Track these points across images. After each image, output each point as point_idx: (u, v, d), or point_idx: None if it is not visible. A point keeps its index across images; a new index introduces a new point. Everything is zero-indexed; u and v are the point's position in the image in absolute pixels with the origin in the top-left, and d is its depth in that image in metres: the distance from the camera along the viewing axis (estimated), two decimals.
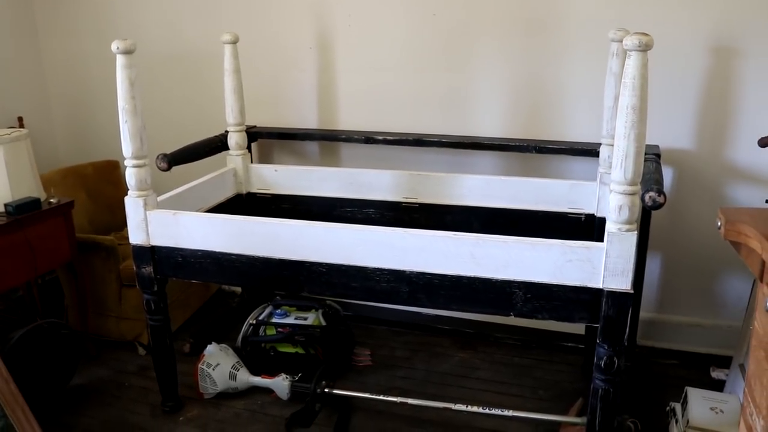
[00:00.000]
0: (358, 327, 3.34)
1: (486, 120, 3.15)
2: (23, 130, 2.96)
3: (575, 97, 3.01)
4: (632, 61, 1.83)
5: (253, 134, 3.31)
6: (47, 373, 2.80)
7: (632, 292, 2.04)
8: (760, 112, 2.80)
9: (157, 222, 2.50)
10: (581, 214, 2.81)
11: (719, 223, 1.45)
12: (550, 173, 3.10)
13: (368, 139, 3.17)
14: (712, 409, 2.48)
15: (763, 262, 1.35)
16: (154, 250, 2.54)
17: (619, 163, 1.93)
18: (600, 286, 2.05)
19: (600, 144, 2.72)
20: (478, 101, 3.15)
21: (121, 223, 3.55)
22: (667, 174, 2.92)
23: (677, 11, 2.79)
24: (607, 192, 2.56)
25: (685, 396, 2.59)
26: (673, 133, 2.92)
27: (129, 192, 2.50)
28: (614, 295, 2.04)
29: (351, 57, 3.29)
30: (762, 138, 2.49)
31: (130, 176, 2.47)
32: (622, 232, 1.99)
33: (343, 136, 3.24)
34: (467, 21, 3.06)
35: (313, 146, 3.48)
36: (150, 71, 3.58)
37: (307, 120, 3.44)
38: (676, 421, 2.56)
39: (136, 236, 2.55)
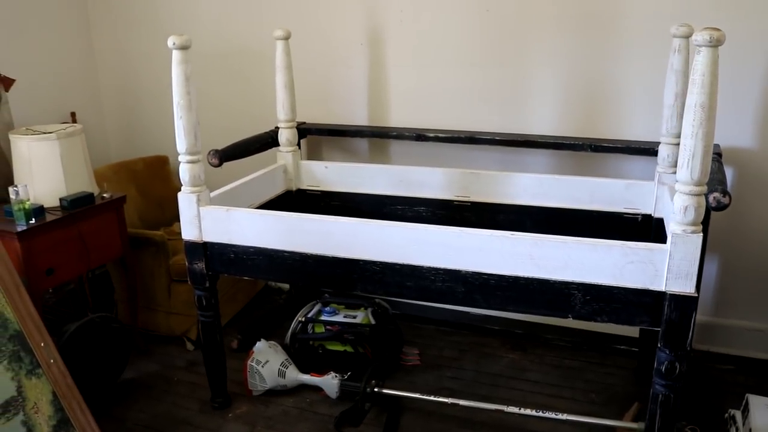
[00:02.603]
0: (405, 326, 3.32)
1: (540, 117, 3.10)
2: (78, 126, 3.00)
3: (632, 94, 2.94)
4: (702, 58, 1.77)
5: (303, 131, 3.30)
6: (99, 367, 2.83)
7: (696, 295, 1.98)
8: None
9: (210, 218, 2.51)
10: (638, 214, 2.74)
11: None
12: (605, 172, 3.03)
13: (419, 136, 3.14)
14: None
15: None
16: (206, 246, 2.54)
17: (685, 163, 1.87)
18: (662, 289, 1.99)
19: (658, 143, 2.65)
20: (532, 98, 3.10)
21: (170, 219, 3.61)
22: (728, 174, 2.83)
23: (740, 5, 2.70)
24: (666, 192, 2.52)
25: (746, 403, 2.51)
26: (734, 131, 2.83)
27: (183, 188, 2.51)
28: (677, 299, 1.98)
29: (402, 53, 3.26)
30: None
31: (184, 172, 2.47)
32: (687, 234, 1.93)
33: (394, 133, 3.21)
34: (521, 16, 3.01)
35: (362, 143, 3.46)
36: (199, 67, 3.58)
37: (358, 117, 3.42)
38: (737, 429, 2.48)
39: (188, 232, 2.55)
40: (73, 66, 3.79)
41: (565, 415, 2.52)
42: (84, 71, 3.88)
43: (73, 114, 3.70)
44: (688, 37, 2.43)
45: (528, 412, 2.54)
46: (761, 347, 3.03)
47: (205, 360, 2.75)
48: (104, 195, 2.99)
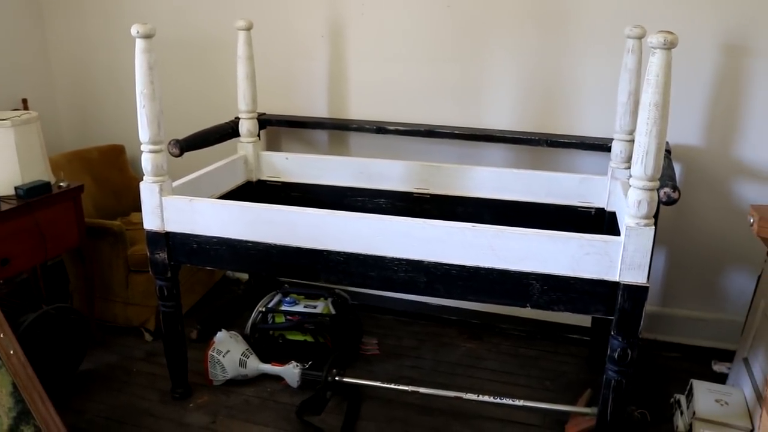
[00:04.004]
0: (364, 316, 3.36)
1: (498, 112, 3.17)
2: (33, 113, 2.94)
3: (587, 91, 3.04)
4: (656, 59, 1.86)
5: (263, 122, 3.30)
6: (57, 358, 2.80)
7: (648, 285, 2.07)
8: None
9: (172, 208, 2.50)
10: (591, 208, 2.83)
11: (751, 220, 1.48)
12: (560, 167, 3.12)
13: (380, 129, 3.17)
14: (717, 401, 2.54)
15: None
16: (168, 236, 2.54)
17: (639, 159, 1.95)
18: (616, 279, 2.08)
19: (611, 139, 2.75)
20: (491, 94, 3.16)
21: (127, 209, 3.57)
22: (676, 170, 2.95)
23: (690, 8, 2.81)
24: (618, 186, 2.62)
25: (691, 388, 2.64)
26: (681, 129, 2.95)
27: (145, 177, 2.49)
28: (630, 289, 2.07)
29: (363, 46, 3.29)
30: None
31: (147, 161, 2.45)
32: (640, 227, 2.02)
33: (355, 126, 3.24)
34: (481, 13, 3.07)
35: (321, 135, 3.48)
36: (159, 56, 3.54)
37: (318, 109, 3.44)
38: (681, 413, 2.61)
39: (150, 222, 2.54)
40: (24, 51, 3.70)
41: (521, 401, 2.61)
42: (35, 57, 3.79)
43: (24, 101, 3.62)
44: (641, 38, 2.53)
45: (485, 398, 2.62)
46: (704, 335, 3.18)
47: (166, 350, 2.74)
48: (61, 184, 2.94)
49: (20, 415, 2.16)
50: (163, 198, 2.49)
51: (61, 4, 3.75)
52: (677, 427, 2.58)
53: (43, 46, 3.82)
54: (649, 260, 2.05)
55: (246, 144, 3.15)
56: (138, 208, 2.59)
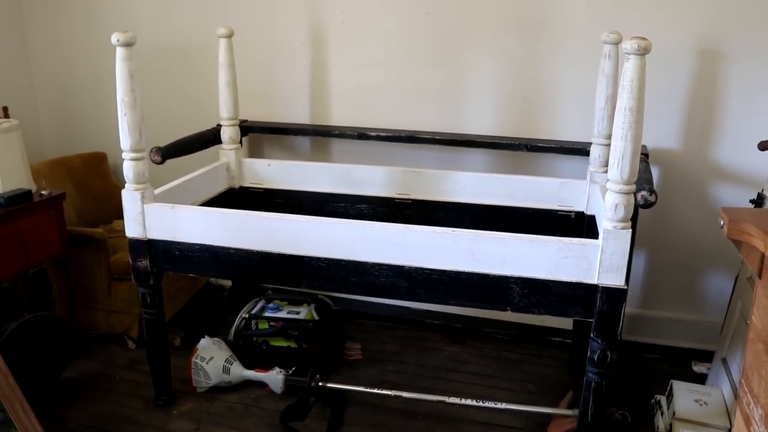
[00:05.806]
0: (347, 321, 3.37)
1: (478, 118, 3.20)
2: (14, 121, 2.93)
3: (566, 96, 3.07)
4: (631, 65, 1.89)
5: (244, 128, 3.31)
6: (39, 367, 2.79)
7: (626, 288, 2.10)
8: (744, 115, 2.89)
9: (154, 215, 2.50)
10: (571, 211, 2.87)
11: (722, 222, 1.51)
12: (540, 171, 3.15)
13: (361, 135, 3.19)
14: (696, 401, 2.57)
15: (763, 258, 1.42)
16: (150, 243, 2.54)
17: (615, 163, 1.99)
18: (595, 282, 2.11)
19: (590, 143, 2.78)
20: (471, 99, 3.19)
21: (109, 216, 3.56)
22: (654, 173, 2.99)
23: (666, 14, 2.86)
24: (597, 190, 2.65)
25: (671, 389, 2.67)
26: (659, 133, 2.99)
27: (126, 185, 2.49)
28: (609, 291, 2.10)
29: (344, 53, 3.31)
30: (762, 141, 2.58)
31: (128, 169, 2.46)
32: (617, 230, 2.05)
33: (336, 132, 3.26)
34: (461, 19, 3.10)
35: (303, 141, 3.50)
36: (140, 63, 3.54)
37: (299, 115, 3.45)
38: (662, 413, 2.64)
39: (132, 229, 2.54)
40: (4, 58, 3.69)
41: (504, 404, 2.62)
42: (16, 64, 3.77)
43: (5, 108, 3.59)
44: (617, 43, 2.56)
45: (468, 402, 2.64)
46: (684, 337, 3.22)
47: (149, 357, 2.74)
48: (43, 192, 2.94)
49: (2, 424, 2.16)
50: (145, 205, 2.50)
51: (42, 10, 3.74)
52: (658, 427, 2.61)
53: (23, 53, 3.81)
54: (626, 263, 2.08)
55: (228, 151, 3.15)
56: (120, 215, 2.59)
